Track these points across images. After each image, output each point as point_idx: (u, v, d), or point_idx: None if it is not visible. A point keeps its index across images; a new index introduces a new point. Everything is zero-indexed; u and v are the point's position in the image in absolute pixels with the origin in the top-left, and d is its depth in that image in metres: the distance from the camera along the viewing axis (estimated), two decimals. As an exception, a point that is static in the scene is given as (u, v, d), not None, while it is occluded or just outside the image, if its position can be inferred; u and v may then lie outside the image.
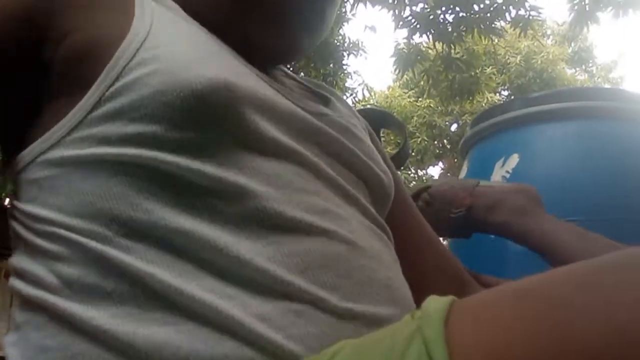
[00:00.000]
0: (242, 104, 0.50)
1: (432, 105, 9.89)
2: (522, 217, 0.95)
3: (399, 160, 1.63)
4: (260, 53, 0.61)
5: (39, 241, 0.50)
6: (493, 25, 5.22)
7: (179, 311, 0.44)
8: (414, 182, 11.13)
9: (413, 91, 10.44)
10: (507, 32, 6.01)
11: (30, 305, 0.48)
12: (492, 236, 1.60)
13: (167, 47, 0.52)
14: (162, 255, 0.46)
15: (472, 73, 6.56)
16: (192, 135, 0.49)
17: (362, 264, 0.51)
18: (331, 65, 7.15)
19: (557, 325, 0.31)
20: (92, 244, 0.47)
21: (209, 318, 0.43)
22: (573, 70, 11.82)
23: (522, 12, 5.20)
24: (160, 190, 0.48)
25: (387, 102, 11.03)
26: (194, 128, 0.49)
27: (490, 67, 9.40)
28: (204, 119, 0.49)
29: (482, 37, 5.38)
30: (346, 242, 0.51)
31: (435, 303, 0.38)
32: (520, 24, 5.23)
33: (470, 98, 6.78)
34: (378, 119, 1.48)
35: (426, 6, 5.23)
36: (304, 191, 0.52)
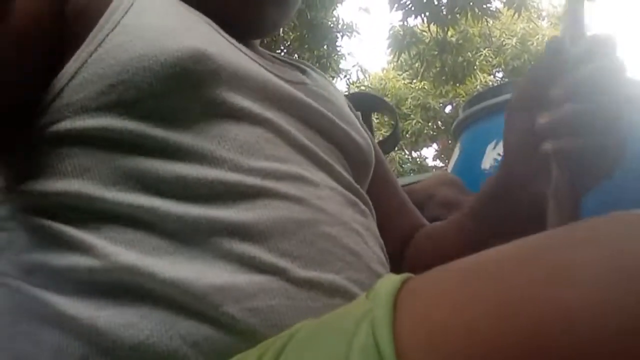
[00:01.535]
0: (219, 74, 0.51)
1: (426, 87, 9.86)
2: (451, 211, 0.91)
3: (390, 143, 1.63)
4: (236, 27, 0.62)
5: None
6: (487, 6, 5.19)
7: (137, 290, 0.44)
8: (408, 164, 11.14)
9: (407, 73, 10.40)
10: (501, 13, 5.98)
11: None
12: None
13: (150, 16, 0.53)
14: (131, 233, 0.46)
15: (466, 56, 6.54)
16: (168, 102, 0.49)
17: (327, 231, 0.51)
18: (325, 47, 7.11)
19: (499, 304, 0.31)
20: (55, 225, 0.47)
21: (168, 294, 0.44)
22: (568, 52, 11.78)
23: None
24: (127, 163, 0.48)
25: (381, 84, 11.01)
26: (171, 95, 0.49)
27: (486, 49, 9.37)
28: (181, 86, 0.50)
29: (476, 20, 5.36)
30: (313, 209, 0.51)
31: (387, 282, 0.37)
32: (515, 4, 5.21)
33: (464, 82, 6.77)
34: (370, 103, 1.49)
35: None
36: (272, 157, 0.52)
